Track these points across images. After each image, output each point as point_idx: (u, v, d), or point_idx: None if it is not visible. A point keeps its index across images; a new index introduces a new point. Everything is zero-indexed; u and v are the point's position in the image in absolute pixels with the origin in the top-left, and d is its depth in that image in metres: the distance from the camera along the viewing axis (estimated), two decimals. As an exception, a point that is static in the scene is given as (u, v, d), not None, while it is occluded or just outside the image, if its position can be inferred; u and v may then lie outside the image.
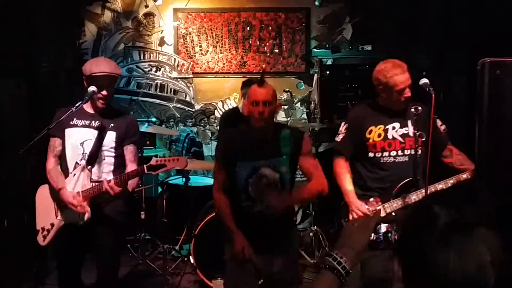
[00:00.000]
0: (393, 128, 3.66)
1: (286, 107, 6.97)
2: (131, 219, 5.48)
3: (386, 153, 3.65)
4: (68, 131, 3.68)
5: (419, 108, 3.55)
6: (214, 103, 7.02)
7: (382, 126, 3.66)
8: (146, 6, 6.94)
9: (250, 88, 3.42)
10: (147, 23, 6.97)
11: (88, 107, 3.70)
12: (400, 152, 3.64)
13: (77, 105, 3.54)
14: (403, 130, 3.65)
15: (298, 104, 6.99)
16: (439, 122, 3.61)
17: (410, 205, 3.55)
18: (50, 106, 5.21)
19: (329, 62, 6.46)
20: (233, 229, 3.41)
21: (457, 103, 4.90)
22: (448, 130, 3.67)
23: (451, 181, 3.54)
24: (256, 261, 3.39)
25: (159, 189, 6.14)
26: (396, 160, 3.65)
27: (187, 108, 7.05)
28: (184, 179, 5.43)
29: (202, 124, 7.00)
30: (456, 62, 5.01)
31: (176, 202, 5.68)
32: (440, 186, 3.53)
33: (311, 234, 5.61)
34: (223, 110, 6.86)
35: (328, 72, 6.39)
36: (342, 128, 3.80)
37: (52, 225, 3.69)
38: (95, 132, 3.68)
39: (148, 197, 5.77)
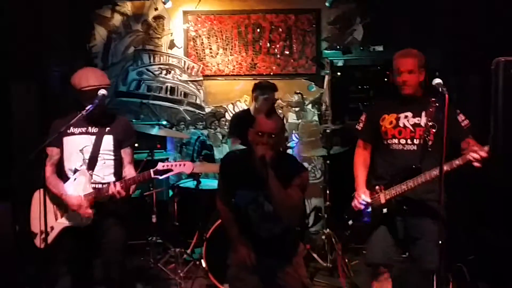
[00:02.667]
0: (405, 116, 3.74)
1: (297, 109, 6.94)
2: (142, 223, 5.53)
3: (395, 140, 3.74)
4: (66, 140, 3.76)
5: (437, 101, 3.59)
6: (225, 106, 7.01)
7: (394, 114, 3.77)
8: (156, 9, 6.93)
9: (258, 117, 3.42)
10: (157, 26, 6.96)
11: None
12: (409, 141, 3.70)
13: (87, 108, 3.59)
14: (415, 120, 3.71)
15: (309, 106, 6.95)
16: (461, 117, 3.62)
17: (409, 192, 3.61)
18: (60, 109, 5.23)
19: (340, 64, 6.42)
20: (236, 237, 3.46)
21: (471, 103, 4.86)
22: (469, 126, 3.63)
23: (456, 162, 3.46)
24: (259, 271, 3.42)
25: (170, 193, 6.14)
26: (405, 148, 3.71)
27: (197, 111, 7.03)
28: (195, 182, 5.41)
29: (213, 127, 6.98)
30: (469, 62, 4.96)
31: (188, 205, 5.66)
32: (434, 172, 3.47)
33: (323, 237, 5.57)
34: (234, 113, 6.84)
35: (339, 73, 6.37)
36: (362, 117, 3.98)
37: (52, 228, 3.71)
38: (93, 138, 3.77)
39: (159, 200, 5.75)
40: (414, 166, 3.58)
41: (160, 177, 3.65)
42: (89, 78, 3.70)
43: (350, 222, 3.92)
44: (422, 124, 3.67)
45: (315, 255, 5.50)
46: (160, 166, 3.63)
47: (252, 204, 3.43)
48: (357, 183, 3.88)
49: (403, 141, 3.73)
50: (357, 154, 3.99)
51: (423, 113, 3.69)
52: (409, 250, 3.85)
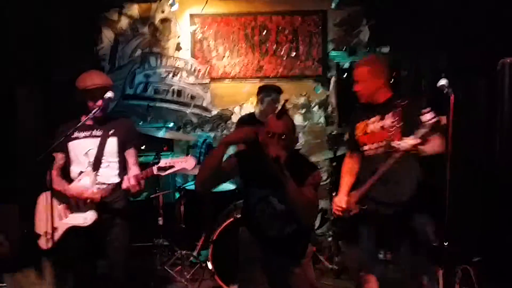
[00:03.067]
0: (373, 122, 3.79)
1: (303, 111, 6.93)
2: (149, 225, 5.55)
3: (367, 147, 3.82)
4: (71, 144, 3.82)
5: (406, 100, 3.68)
6: (231, 108, 7.01)
7: (365, 121, 3.84)
8: (163, 12, 6.95)
9: (269, 117, 3.41)
10: (164, 28, 6.98)
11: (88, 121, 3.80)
12: (379, 144, 3.74)
13: (93, 111, 3.65)
14: (381, 123, 3.74)
15: (316, 108, 6.94)
16: (427, 116, 3.46)
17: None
18: (67, 112, 5.25)
19: (347, 65, 6.41)
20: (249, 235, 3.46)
21: (477, 103, 4.84)
22: (439, 125, 3.46)
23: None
24: (269, 270, 3.42)
25: (177, 195, 6.14)
26: (377, 152, 3.75)
27: (204, 114, 7.03)
28: (201, 185, 5.40)
29: (220, 129, 6.99)
30: (475, 63, 4.94)
31: (194, 208, 5.68)
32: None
33: (329, 239, 5.56)
34: (241, 115, 6.84)
35: (345, 75, 6.35)
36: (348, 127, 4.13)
37: (56, 228, 3.73)
38: (97, 141, 3.83)
39: (166, 203, 5.76)
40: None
41: (163, 174, 3.68)
42: (93, 78, 3.81)
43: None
44: (387, 125, 3.69)
45: (321, 257, 5.50)
46: (162, 162, 3.68)
47: (261, 203, 3.40)
48: (339, 191, 3.97)
49: (374, 145, 3.77)
50: (344, 163, 4.09)
51: (390, 114, 3.70)
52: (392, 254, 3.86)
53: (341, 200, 3.87)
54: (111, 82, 3.91)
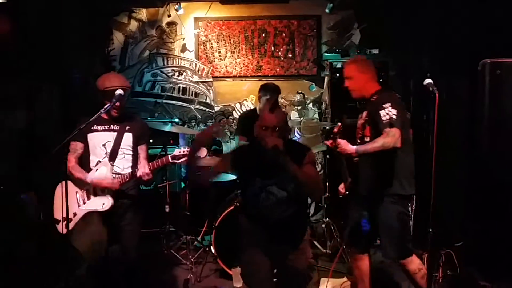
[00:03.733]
0: (360, 117, 3.85)
1: (299, 107, 6.94)
2: (156, 213, 5.56)
3: (357, 141, 3.83)
4: (90, 136, 3.88)
5: (376, 96, 3.71)
6: (233, 105, 7.01)
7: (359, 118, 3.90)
8: (169, 16, 6.94)
9: (262, 113, 3.41)
10: (170, 31, 6.97)
11: (104, 115, 3.85)
12: (359, 140, 3.80)
13: (105, 107, 3.71)
14: (362, 120, 3.80)
15: (310, 105, 6.95)
16: (384, 112, 3.50)
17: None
18: (81, 109, 5.26)
19: (339, 65, 6.38)
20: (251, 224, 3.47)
21: (459, 103, 4.85)
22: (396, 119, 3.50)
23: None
24: (271, 253, 3.41)
25: (182, 184, 6.15)
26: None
27: (207, 110, 7.05)
28: (205, 175, 5.40)
29: (222, 124, 6.98)
30: (458, 64, 4.95)
31: (198, 196, 5.69)
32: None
33: (323, 225, 5.58)
34: (241, 111, 6.85)
35: (338, 74, 6.33)
36: None
37: (74, 214, 3.82)
38: (115, 134, 3.90)
39: (172, 192, 5.76)
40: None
41: (177, 162, 3.82)
42: (111, 80, 3.84)
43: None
44: (362, 121, 3.75)
45: (315, 242, 5.51)
46: (177, 152, 3.81)
47: (262, 193, 3.37)
48: None
49: (358, 141, 3.80)
50: None
51: (366, 112, 3.75)
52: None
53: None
54: (128, 85, 3.95)
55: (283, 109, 6.81)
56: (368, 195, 3.79)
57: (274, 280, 3.59)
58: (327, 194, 5.63)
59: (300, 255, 3.49)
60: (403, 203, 3.67)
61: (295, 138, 6.85)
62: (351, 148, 3.53)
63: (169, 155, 3.81)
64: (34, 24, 5.25)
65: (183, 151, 3.78)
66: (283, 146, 3.23)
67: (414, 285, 3.79)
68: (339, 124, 3.67)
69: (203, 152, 3.68)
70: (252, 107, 6.67)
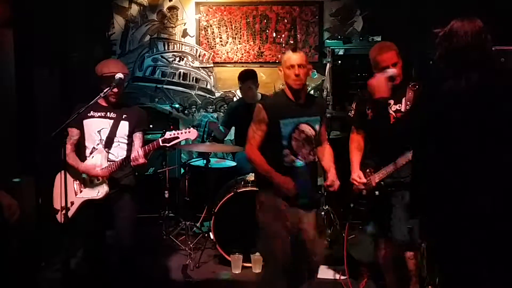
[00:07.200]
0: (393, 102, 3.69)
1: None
2: (156, 198, 5.54)
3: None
4: (86, 122, 3.81)
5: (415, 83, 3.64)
6: (233, 91, 6.96)
7: None
8: (170, 0, 6.87)
9: (285, 54, 3.57)
10: (171, 16, 6.91)
11: (102, 101, 3.82)
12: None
13: (105, 90, 3.66)
14: (396, 107, 3.65)
15: (312, 92, 6.89)
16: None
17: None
18: (80, 92, 5.21)
19: (341, 52, 6.35)
20: (273, 172, 3.45)
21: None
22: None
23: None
24: (289, 216, 3.50)
25: (182, 170, 6.13)
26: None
27: (208, 95, 7.00)
28: (205, 161, 5.39)
29: (222, 110, 6.95)
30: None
31: (197, 182, 5.64)
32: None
33: (323, 213, 5.55)
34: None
35: (339, 61, 6.30)
36: (353, 105, 3.90)
37: (72, 203, 3.76)
38: (111, 122, 3.83)
39: (172, 177, 5.75)
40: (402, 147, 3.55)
41: (168, 145, 3.68)
42: (110, 66, 3.79)
43: (352, 205, 3.90)
44: (403, 110, 3.59)
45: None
46: (167, 134, 3.68)
47: (294, 132, 3.50)
48: (352, 167, 3.82)
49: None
50: (351, 139, 3.90)
51: (403, 100, 3.61)
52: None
53: (360, 176, 3.74)
54: (127, 71, 3.88)
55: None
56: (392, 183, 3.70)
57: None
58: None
59: (311, 221, 3.61)
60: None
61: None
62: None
63: (159, 139, 3.69)
64: (34, 7, 5.18)
65: (173, 134, 3.67)
66: (306, 94, 3.68)
67: (403, 269, 3.75)
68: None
69: (193, 134, 3.73)
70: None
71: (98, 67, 3.80)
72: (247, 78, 5.46)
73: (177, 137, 3.67)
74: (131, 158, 3.65)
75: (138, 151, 3.65)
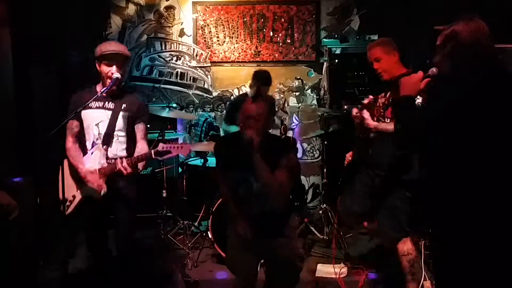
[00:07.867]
0: (381, 96, 3.91)
1: (297, 93, 6.90)
2: (154, 197, 5.53)
3: (373, 118, 3.86)
4: (84, 113, 3.68)
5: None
6: (231, 90, 6.97)
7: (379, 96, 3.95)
8: (167, 0, 6.88)
9: (245, 102, 3.28)
10: (168, 15, 6.91)
11: (100, 89, 3.71)
12: (379, 118, 3.83)
13: (103, 90, 3.63)
14: (384, 99, 3.86)
15: (309, 91, 6.91)
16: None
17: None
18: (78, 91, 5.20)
19: (338, 51, 6.37)
20: (236, 212, 3.41)
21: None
22: None
23: None
24: (256, 244, 3.37)
25: (179, 170, 6.13)
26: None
27: (205, 95, 7.00)
28: (202, 160, 5.39)
29: (219, 110, 6.95)
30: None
31: (195, 181, 5.65)
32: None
33: (320, 211, 5.56)
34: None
35: (336, 60, 6.32)
36: None
37: (74, 196, 3.71)
38: (109, 113, 3.70)
39: (169, 177, 5.73)
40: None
41: (160, 158, 3.59)
42: (110, 45, 3.70)
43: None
44: (382, 101, 3.84)
45: (312, 228, 5.50)
46: (160, 147, 3.57)
47: (243, 184, 3.33)
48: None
49: (376, 119, 3.83)
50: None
51: (389, 93, 3.79)
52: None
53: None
54: (127, 52, 3.77)
55: (281, 95, 6.79)
56: (373, 173, 3.85)
57: (264, 270, 3.62)
58: (325, 180, 5.61)
59: (286, 246, 3.41)
60: (407, 187, 3.68)
61: (293, 124, 6.84)
62: (372, 122, 3.71)
63: (152, 151, 3.57)
64: (32, 7, 5.18)
65: (166, 148, 3.56)
66: (262, 141, 3.14)
67: (397, 266, 3.78)
68: (371, 97, 3.80)
69: (185, 150, 3.64)
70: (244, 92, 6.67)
71: (97, 47, 3.69)
72: (266, 84, 5.44)
73: (170, 151, 3.57)
74: (118, 168, 3.53)
75: (123, 163, 3.52)
